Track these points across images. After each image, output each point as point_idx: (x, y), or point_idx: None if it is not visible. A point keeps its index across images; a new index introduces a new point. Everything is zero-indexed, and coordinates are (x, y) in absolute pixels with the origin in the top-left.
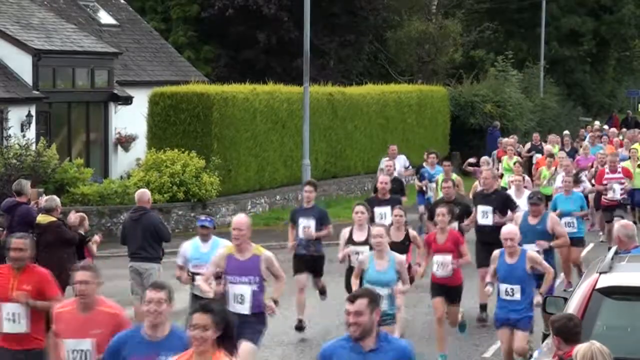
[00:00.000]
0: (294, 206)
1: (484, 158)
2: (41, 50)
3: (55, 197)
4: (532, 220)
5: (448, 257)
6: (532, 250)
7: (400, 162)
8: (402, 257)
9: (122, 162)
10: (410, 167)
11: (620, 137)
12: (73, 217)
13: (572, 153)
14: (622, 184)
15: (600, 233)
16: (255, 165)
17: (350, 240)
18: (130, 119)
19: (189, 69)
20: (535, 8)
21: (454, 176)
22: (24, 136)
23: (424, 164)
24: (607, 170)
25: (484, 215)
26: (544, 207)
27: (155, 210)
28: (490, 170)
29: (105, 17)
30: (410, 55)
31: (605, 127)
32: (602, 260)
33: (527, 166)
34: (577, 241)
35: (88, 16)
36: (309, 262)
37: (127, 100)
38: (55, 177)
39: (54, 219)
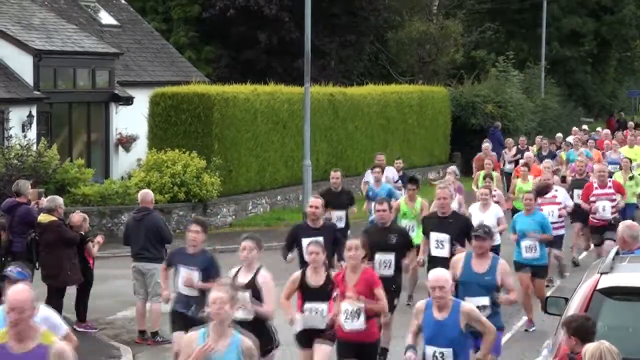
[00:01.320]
0: (294, 207)
1: (451, 168)
2: (42, 50)
3: (57, 197)
4: (478, 266)
5: (360, 305)
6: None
7: (389, 175)
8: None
9: (123, 163)
10: (401, 181)
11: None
12: (76, 217)
13: (550, 158)
14: (612, 200)
15: (579, 256)
16: (256, 166)
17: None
18: (131, 119)
19: (190, 70)
20: (536, 8)
21: (419, 200)
22: (25, 136)
23: (369, 175)
24: (595, 184)
25: (439, 245)
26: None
27: (157, 211)
28: (446, 189)
29: (106, 18)
30: (411, 55)
31: (598, 129)
32: (603, 260)
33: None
34: (540, 270)
35: (89, 16)
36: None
37: (128, 101)
38: (56, 177)
39: (54, 218)
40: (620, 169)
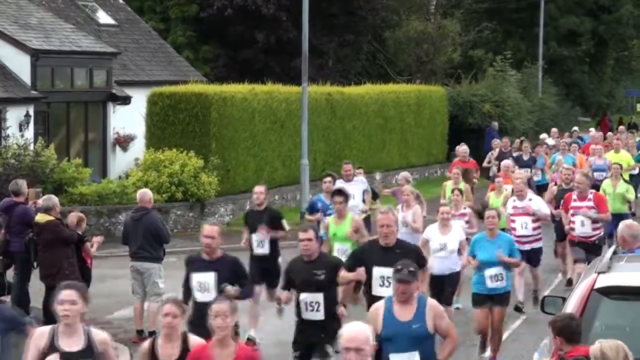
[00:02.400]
0: (292, 206)
1: (404, 175)
2: (39, 50)
3: (53, 196)
4: (402, 314)
5: None
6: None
7: (359, 187)
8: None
9: (121, 162)
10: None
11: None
12: (73, 217)
13: (530, 164)
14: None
15: (560, 273)
16: (253, 165)
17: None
18: (129, 118)
19: (188, 69)
20: (534, 8)
21: (349, 216)
22: (22, 136)
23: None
24: (574, 195)
25: (384, 282)
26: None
27: (155, 211)
28: (388, 213)
29: (103, 17)
30: (409, 55)
31: (591, 129)
32: (600, 260)
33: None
34: (501, 298)
35: (86, 16)
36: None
37: (126, 100)
38: (54, 177)
39: (52, 218)
40: (613, 176)
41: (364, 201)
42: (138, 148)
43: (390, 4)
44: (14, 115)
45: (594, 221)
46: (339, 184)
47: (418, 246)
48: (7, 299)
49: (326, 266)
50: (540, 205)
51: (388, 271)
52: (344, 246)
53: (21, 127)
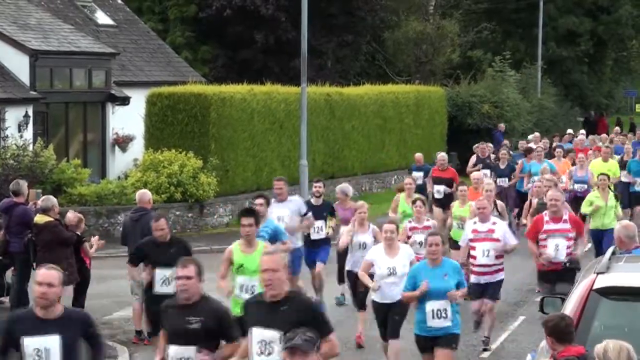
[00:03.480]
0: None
1: (342, 188)
2: (38, 50)
3: (51, 197)
4: None
5: None
6: None
7: (292, 208)
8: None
9: (120, 163)
10: (310, 214)
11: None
12: (71, 216)
13: (507, 173)
14: (569, 239)
15: None
16: (252, 166)
17: None
18: (128, 119)
19: (187, 70)
20: (533, 8)
21: (261, 245)
22: (21, 136)
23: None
24: (546, 216)
25: (265, 348)
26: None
27: (154, 211)
28: (275, 255)
29: (102, 18)
30: (408, 55)
31: (582, 132)
32: (599, 260)
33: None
34: (447, 339)
35: (85, 16)
36: None
37: (125, 101)
38: (53, 177)
39: (50, 218)
40: (600, 188)
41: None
42: (137, 148)
43: (389, 5)
44: (13, 115)
45: (569, 246)
46: (274, 205)
47: (313, 303)
48: (6, 299)
49: (205, 313)
50: (505, 232)
51: (270, 335)
52: (251, 281)
53: (20, 127)
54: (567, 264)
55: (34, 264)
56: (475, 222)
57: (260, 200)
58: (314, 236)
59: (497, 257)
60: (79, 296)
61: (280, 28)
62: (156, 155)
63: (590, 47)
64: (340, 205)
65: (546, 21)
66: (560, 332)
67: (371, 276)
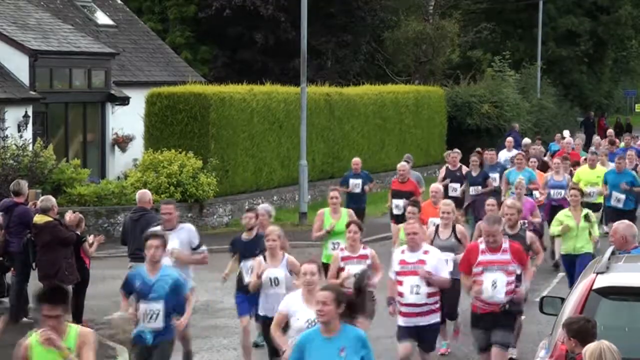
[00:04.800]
0: (290, 207)
1: (263, 207)
2: (38, 50)
3: (51, 197)
4: None
5: None
6: None
7: (183, 238)
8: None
9: (119, 163)
10: (204, 249)
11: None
12: (71, 216)
13: (479, 181)
14: (509, 273)
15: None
16: (252, 166)
17: None
18: (127, 119)
19: (186, 70)
20: (532, 8)
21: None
22: (20, 137)
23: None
24: (482, 245)
25: None
26: None
27: (154, 211)
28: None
29: (102, 18)
30: (408, 55)
31: (566, 134)
32: (599, 260)
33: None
34: None
35: (85, 17)
36: None
37: (124, 101)
38: (52, 177)
39: (50, 219)
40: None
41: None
42: (137, 149)
43: (388, 5)
44: (13, 115)
45: (510, 282)
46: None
47: None
48: (6, 299)
49: None
50: (437, 263)
51: None
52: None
53: (20, 127)
54: (506, 307)
55: (33, 264)
56: (403, 252)
57: (156, 242)
58: (248, 279)
59: (429, 294)
60: (79, 296)
61: (280, 28)
62: (156, 155)
63: (589, 47)
64: (261, 229)
65: (546, 21)
66: (587, 333)
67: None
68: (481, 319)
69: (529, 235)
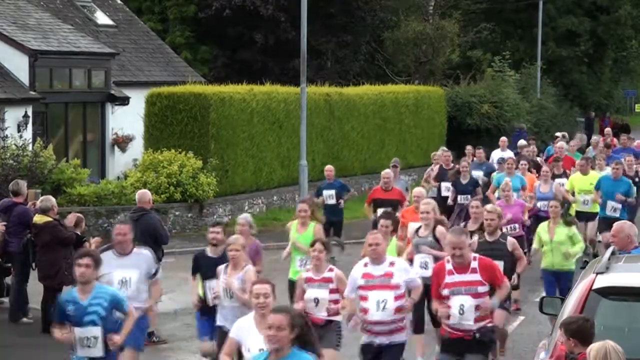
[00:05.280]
0: (290, 207)
1: (244, 218)
2: (38, 50)
3: (50, 197)
4: None
5: None
6: None
7: (140, 265)
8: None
9: (119, 163)
10: (157, 271)
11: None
12: (71, 218)
13: (469, 190)
14: (478, 295)
15: None
16: (252, 166)
17: None
18: (127, 119)
19: (186, 70)
20: (532, 8)
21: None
22: (20, 137)
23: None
24: (449, 263)
25: None
26: None
27: (154, 211)
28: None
29: (102, 18)
30: (407, 55)
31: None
32: (599, 260)
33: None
34: None
35: (85, 17)
36: None
37: (124, 101)
38: (52, 177)
39: (50, 219)
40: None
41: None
42: (136, 149)
43: (388, 5)
44: (13, 115)
45: (478, 307)
46: (113, 260)
47: None
48: (6, 299)
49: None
50: (407, 273)
51: None
52: None
53: (20, 127)
54: (477, 336)
55: (33, 264)
56: (366, 264)
57: (86, 261)
58: (212, 300)
59: (397, 309)
60: None
61: (280, 28)
62: (156, 156)
63: (589, 47)
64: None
65: (546, 21)
66: (586, 334)
67: None
68: (451, 344)
69: (510, 241)
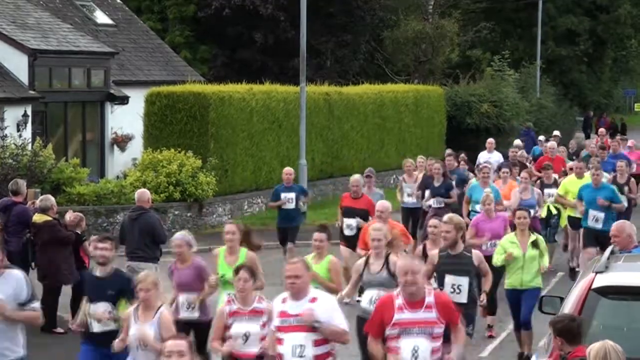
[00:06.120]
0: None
1: (178, 236)
2: (37, 50)
3: (50, 196)
4: None
5: None
6: None
7: (6, 290)
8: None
9: (119, 162)
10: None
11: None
12: (71, 216)
13: (442, 192)
14: (435, 337)
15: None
16: (251, 165)
17: None
18: (127, 118)
19: (186, 69)
20: (532, 8)
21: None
22: (20, 136)
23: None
24: (398, 299)
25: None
26: None
27: (153, 211)
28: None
29: (101, 17)
30: (407, 55)
31: (541, 138)
32: (598, 260)
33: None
34: None
35: (84, 16)
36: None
37: (124, 100)
38: (52, 176)
39: (49, 218)
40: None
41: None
42: (136, 148)
43: (388, 4)
44: (12, 115)
45: (435, 350)
46: None
47: None
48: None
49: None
50: (331, 313)
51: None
52: None
53: (19, 127)
54: None
55: (32, 264)
56: (284, 300)
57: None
58: (97, 327)
59: (318, 357)
60: (78, 296)
61: (279, 28)
62: (155, 155)
63: (589, 46)
64: (179, 262)
65: (545, 20)
66: (572, 333)
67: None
68: None
69: (476, 254)
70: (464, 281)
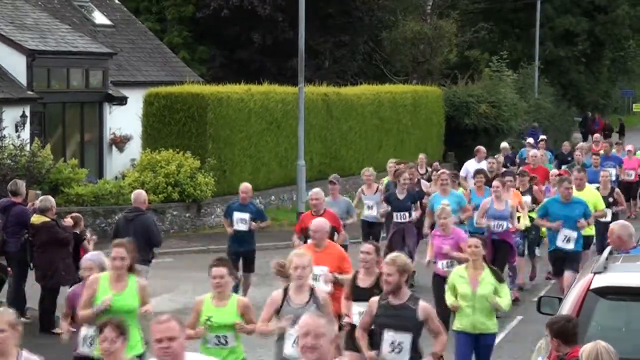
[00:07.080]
0: (288, 207)
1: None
2: (35, 50)
3: (50, 197)
4: None
5: None
6: None
7: None
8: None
9: (117, 163)
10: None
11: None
12: (69, 220)
13: (406, 205)
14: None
15: None
16: (250, 166)
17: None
18: (125, 119)
19: (184, 70)
20: (530, 8)
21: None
22: (18, 136)
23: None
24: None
25: None
26: None
27: (149, 212)
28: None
29: (99, 18)
30: (405, 55)
31: (530, 140)
32: (596, 260)
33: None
34: None
35: (82, 16)
36: None
37: (122, 101)
38: (50, 177)
39: (47, 219)
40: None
41: None
42: (134, 148)
43: (386, 5)
44: (10, 115)
45: None
46: None
47: None
48: (4, 299)
49: None
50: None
51: None
52: None
53: (17, 127)
54: None
55: (31, 264)
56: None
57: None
58: None
59: None
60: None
61: (278, 28)
62: (153, 155)
63: (587, 47)
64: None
65: (543, 21)
66: (568, 334)
67: None
68: None
69: (423, 307)
70: (406, 338)
